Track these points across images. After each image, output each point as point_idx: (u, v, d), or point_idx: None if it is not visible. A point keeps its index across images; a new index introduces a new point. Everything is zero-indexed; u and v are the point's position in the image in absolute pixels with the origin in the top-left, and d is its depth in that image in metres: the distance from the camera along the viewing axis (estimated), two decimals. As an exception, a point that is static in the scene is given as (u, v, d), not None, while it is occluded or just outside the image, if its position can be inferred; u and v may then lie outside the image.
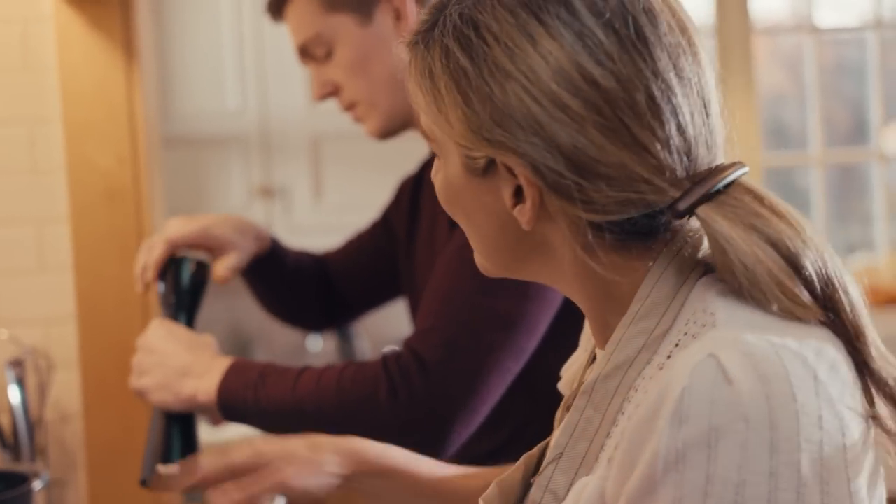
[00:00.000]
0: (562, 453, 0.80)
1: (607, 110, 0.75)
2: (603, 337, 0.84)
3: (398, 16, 1.42)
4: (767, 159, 3.73)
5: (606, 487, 0.73)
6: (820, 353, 0.73)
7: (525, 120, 0.76)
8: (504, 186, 0.79)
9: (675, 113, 0.76)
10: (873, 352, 0.76)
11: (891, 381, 0.76)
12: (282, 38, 3.18)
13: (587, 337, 0.97)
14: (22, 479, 1.45)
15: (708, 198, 0.76)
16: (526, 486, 0.89)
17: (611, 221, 0.77)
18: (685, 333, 0.76)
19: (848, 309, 0.76)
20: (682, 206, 0.76)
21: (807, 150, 3.75)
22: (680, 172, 0.76)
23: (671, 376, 0.70)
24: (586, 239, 0.78)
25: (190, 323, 1.43)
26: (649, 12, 0.77)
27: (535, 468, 0.90)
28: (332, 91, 1.50)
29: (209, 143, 3.24)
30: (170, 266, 1.45)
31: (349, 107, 1.49)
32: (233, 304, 3.56)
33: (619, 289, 0.80)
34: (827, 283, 0.75)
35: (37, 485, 1.48)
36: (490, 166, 0.79)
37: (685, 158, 0.77)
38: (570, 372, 0.96)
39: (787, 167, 3.87)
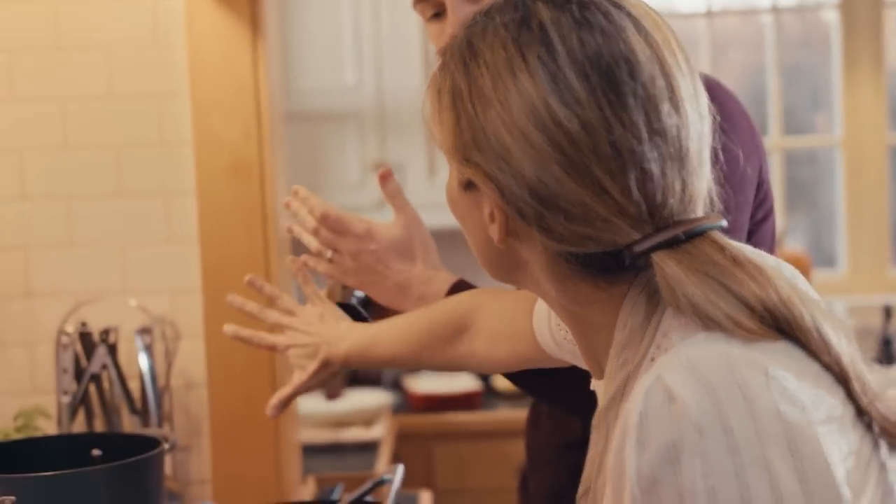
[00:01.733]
0: (588, 488, 0.83)
1: (570, 150, 0.78)
2: (592, 367, 0.88)
3: None
4: (893, 137, 3.62)
5: None
6: (772, 352, 0.75)
7: (497, 146, 0.80)
8: (484, 204, 0.84)
9: (639, 161, 0.78)
10: (856, 387, 0.77)
11: (888, 426, 0.77)
12: (398, 14, 3.19)
13: None
14: (153, 444, 1.50)
15: (668, 245, 0.78)
16: None
17: (573, 253, 0.81)
18: (651, 360, 0.79)
19: (818, 351, 0.77)
20: (638, 248, 0.79)
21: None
22: (643, 217, 0.79)
23: (629, 406, 0.74)
24: (555, 265, 0.82)
25: None
26: (629, 62, 0.79)
27: None
28: None
29: (326, 118, 3.28)
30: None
31: None
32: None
33: (596, 319, 0.83)
34: (792, 326, 0.77)
35: (166, 449, 1.52)
36: (471, 183, 0.84)
37: (650, 205, 0.79)
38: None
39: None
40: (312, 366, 1.36)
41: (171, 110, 1.94)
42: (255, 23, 1.93)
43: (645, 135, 0.78)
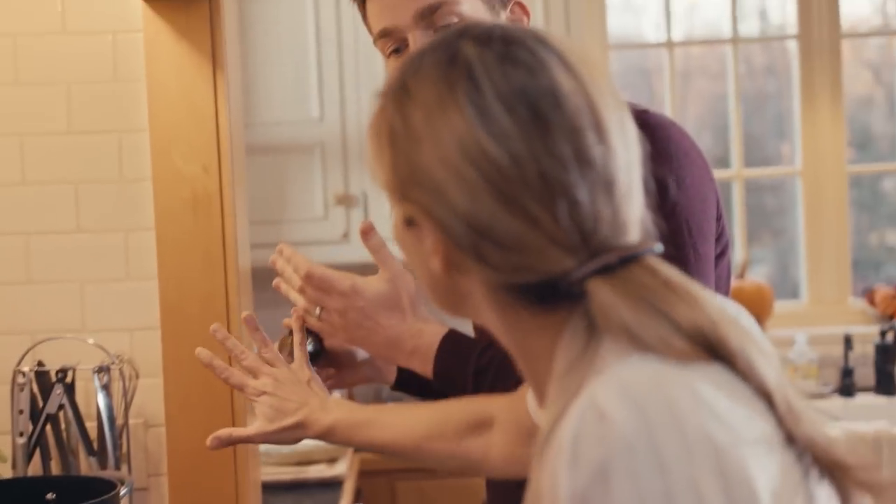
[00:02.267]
0: None
1: (500, 182, 0.80)
2: (537, 395, 0.88)
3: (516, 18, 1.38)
4: (853, 167, 3.66)
5: None
6: (704, 372, 0.76)
7: (432, 182, 0.82)
8: (425, 238, 0.85)
9: (570, 190, 0.80)
10: (783, 412, 0.79)
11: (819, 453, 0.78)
12: (361, 46, 3.19)
13: None
14: (109, 487, 1.47)
15: (602, 271, 0.80)
16: None
17: (511, 283, 0.82)
18: (582, 385, 0.79)
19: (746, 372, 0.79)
20: (573, 276, 0.80)
21: (895, 158, 3.66)
22: (575, 245, 0.80)
23: (561, 431, 0.75)
24: (495, 296, 0.84)
25: None
26: (554, 95, 0.81)
27: None
28: None
29: (291, 150, 3.27)
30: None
31: None
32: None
33: (539, 347, 0.84)
34: (721, 348, 0.78)
35: (122, 491, 1.50)
36: (412, 219, 0.85)
37: (582, 232, 0.80)
38: None
39: (874, 173, 3.79)
40: (284, 422, 1.31)
41: (131, 145, 1.92)
42: (215, 57, 1.92)
43: (572, 165, 0.80)
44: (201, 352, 1.36)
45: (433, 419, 1.26)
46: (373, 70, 3.21)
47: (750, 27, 3.83)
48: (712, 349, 0.78)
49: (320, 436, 1.29)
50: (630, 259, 0.81)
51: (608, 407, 0.72)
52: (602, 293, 0.79)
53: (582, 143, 0.81)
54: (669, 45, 3.64)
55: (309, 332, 1.37)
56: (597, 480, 0.70)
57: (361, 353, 1.45)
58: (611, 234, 0.81)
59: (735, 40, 3.65)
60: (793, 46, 3.64)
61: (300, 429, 1.30)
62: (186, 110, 1.91)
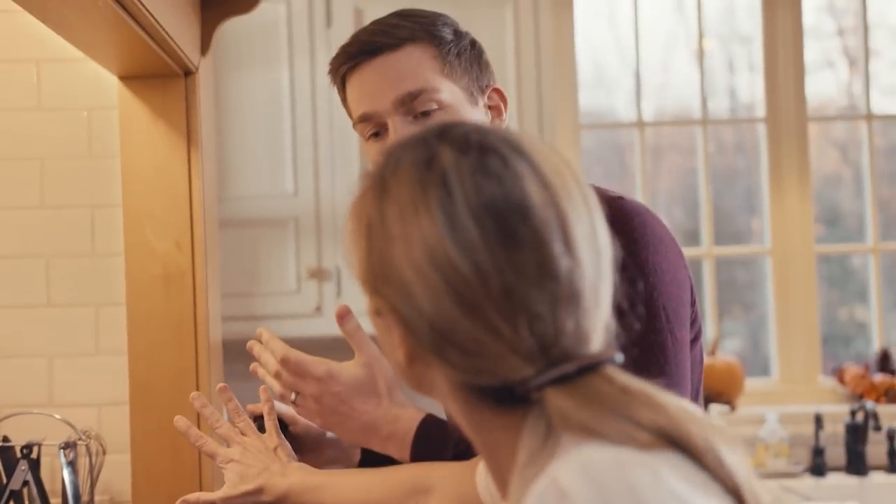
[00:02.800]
0: None
1: (464, 290, 0.81)
2: (499, 486, 0.89)
3: (498, 113, 1.40)
4: (821, 247, 3.70)
5: None
6: (661, 456, 0.77)
7: (400, 281, 0.83)
8: (392, 329, 0.86)
9: (531, 304, 0.81)
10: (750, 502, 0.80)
11: None
12: (336, 121, 3.23)
13: None
14: (72, 567, 1.45)
15: (560, 380, 0.81)
16: None
17: (472, 383, 0.83)
18: (538, 472, 0.80)
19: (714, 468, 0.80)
20: (531, 384, 0.81)
21: (862, 237, 3.71)
22: (534, 354, 0.81)
23: None
24: (458, 392, 0.85)
25: None
26: (523, 208, 0.82)
27: None
28: None
29: (264, 224, 3.28)
30: None
31: None
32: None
33: (500, 441, 0.85)
34: (685, 445, 0.80)
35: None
36: (379, 311, 0.87)
37: (541, 343, 0.81)
38: None
39: (843, 253, 3.83)
40: (246, 487, 1.35)
41: (104, 220, 1.93)
42: (190, 135, 1.94)
43: (536, 279, 0.81)
44: (179, 419, 1.39)
45: (382, 484, 1.28)
46: (347, 144, 3.24)
47: (720, 105, 3.90)
48: (676, 445, 0.79)
49: (278, 499, 1.32)
50: (589, 368, 0.82)
51: (568, 486, 0.73)
52: (559, 400, 0.80)
53: (548, 256, 0.82)
54: (640, 125, 3.70)
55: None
56: None
57: (329, 433, 1.45)
58: (572, 344, 0.82)
59: (704, 121, 3.71)
60: (761, 128, 3.71)
61: (260, 493, 1.34)
62: (160, 186, 1.92)
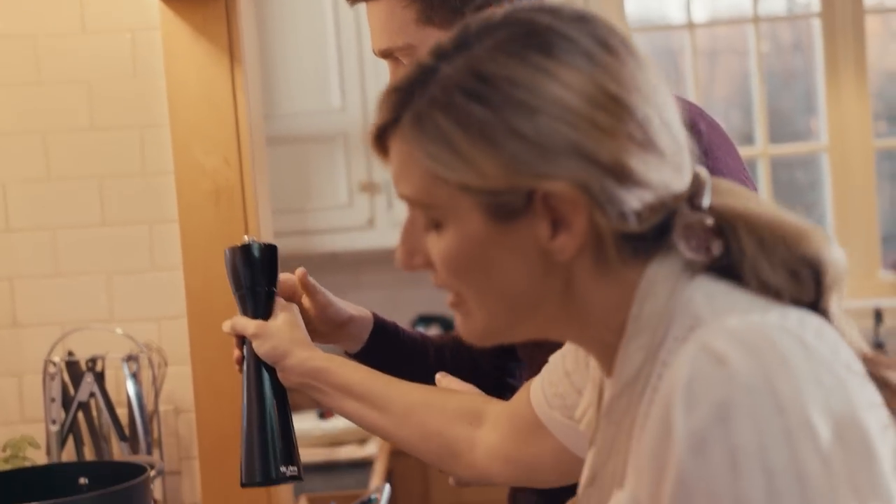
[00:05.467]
0: (596, 475, 0.85)
1: (629, 119, 0.81)
2: (607, 363, 0.88)
3: None
4: (880, 142, 3.64)
5: (639, 496, 0.77)
6: (803, 321, 0.78)
7: (563, 145, 0.80)
8: (539, 223, 0.81)
9: (671, 120, 0.83)
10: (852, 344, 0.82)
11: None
12: (382, 35, 3.23)
13: (584, 378, 1.02)
14: (139, 471, 1.52)
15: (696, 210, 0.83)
16: None
17: (628, 234, 0.82)
18: (675, 339, 0.80)
19: (829, 295, 0.83)
20: (699, 201, 0.82)
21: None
22: (688, 172, 0.84)
23: (671, 378, 0.75)
24: (605, 257, 0.82)
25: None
26: (626, 39, 0.85)
27: None
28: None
29: (313, 140, 3.31)
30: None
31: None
32: (340, 296, 3.63)
33: (615, 311, 0.84)
34: (818, 265, 0.83)
35: (152, 475, 1.55)
36: (525, 205, 0.81)
37: (686, 160, 0.84)
38: (587, 415, 0.99)
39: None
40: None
41: (153, 140, 1.97)
42: (232, 51, 1.96)
43: (665, 97, 0.84)
44: (225, 324, 1.37)
45: (433, 391, 1.26)
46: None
47: (776, 5, 3.81)
48: (818, 285, 0.82)
49: (307, 362, 1.28)
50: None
51: (725, 353, 0.73)
52: (728, 202, 0.83)
53: (661, 77, 0.85)
54: (690, 26, 3.64)
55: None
56: (717, 420, 0.71)
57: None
58: (690, 161, 0.85)
59: (756, 19, 3.64)
60: (816, 24, 3.63)
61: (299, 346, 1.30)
62: (206, 105, 1.95)
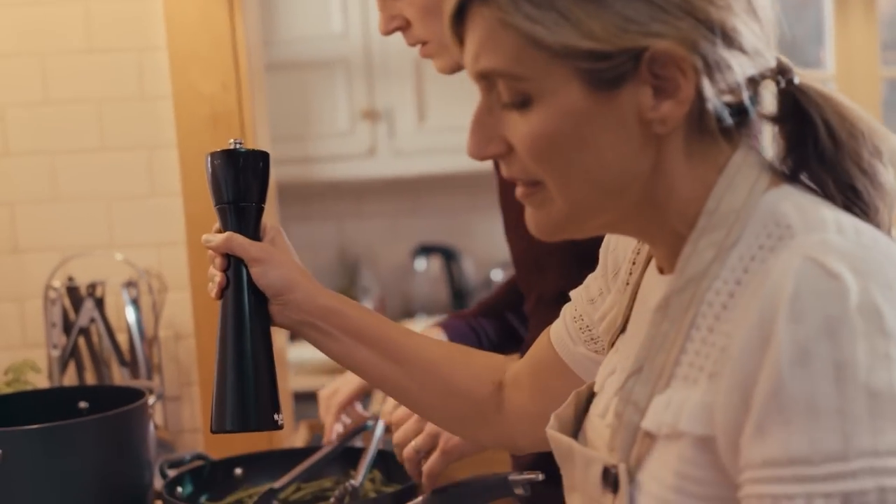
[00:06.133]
0: (642, 366, 0.82)
1: None
2: (670, 258, 0.85)
3: None
4: (886, 70, 3.60)
5: (716, 403, 0.74)
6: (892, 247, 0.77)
7: (674, 3, 0.76)
8: (642, 90, 0.77)
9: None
10: None
11: None
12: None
13: (608, 271, 1.00)
14: (139, 395, 1.53)
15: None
16: (579, 419, 0.93)
17: (727, 106, 0.79)
18: (760, 247, 0.77)
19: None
20: (790, 76, 0.81)
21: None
22: (774, 50, 0.82)
23: (771, 287, 0.72)
24: (701, 132, 0.80)
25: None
26: None
27: (586, 403, 0.94)
28: (402, 25, 1.46)
29: (314, 66, 3.27)
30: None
31: (417, 43, 1.46)
32: (340, 225, 3.63)
33: (695, 199, 0.82)
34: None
35: (151, 400, 1.55)
36: (629, 70, 0.77)
37: (773, 37, 0.82)
38: (609, 316, 0.97)
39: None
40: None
41: (150, 64, 1.95)
42: (230, -25, 1.93)
43: None
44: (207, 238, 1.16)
45: (454, 347, 1.18)
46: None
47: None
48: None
49: (317, 298, 1.13)
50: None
51: (836, 268, 0.71)
52: (813, 87, 0.82)
53: None
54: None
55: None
56: (824, 334, 0.70)
57: None
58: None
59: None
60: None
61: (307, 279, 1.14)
62: (204, 29, 1.93)
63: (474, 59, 0.81)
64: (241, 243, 1.11)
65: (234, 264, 1.11)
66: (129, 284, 1.88)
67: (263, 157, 1.14)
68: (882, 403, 0.69)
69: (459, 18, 0.82)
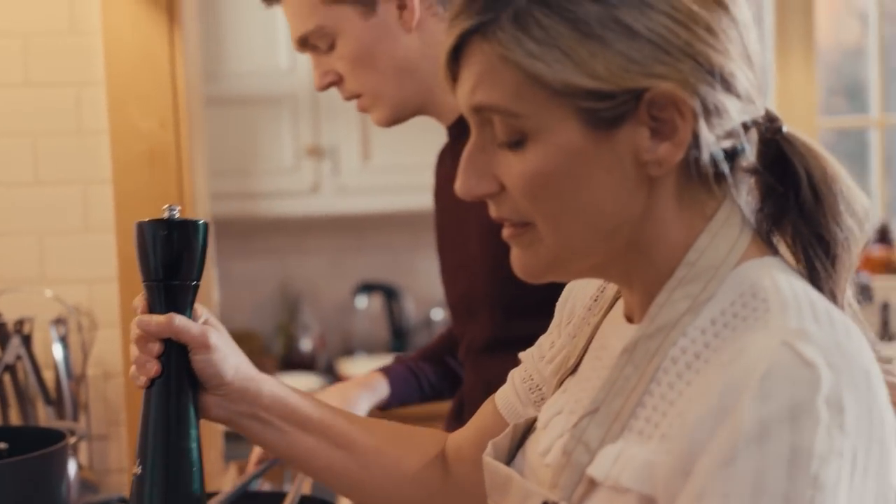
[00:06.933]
0: (599, 408, 0.81)
1: (734, 26, 0.79)
2: (642, 306, 0.84)
3: (402, 5, 1.39)
4: (825, 122, 3.67)
5: (661, 464, 0.74)
6: (864, 348, 0.77)
7: (676, 45, 0.76)
8: (640, 132, 0.77)
9: (752, 47, 0.82)
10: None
11: None
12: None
13: (562, 322, 0.99)
14: (60, 437, 1.50)
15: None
16: (513, 452, 0.93)
17: (720, 152, 0.80)
18: (734, 315, 0.78)
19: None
20: (778, 125, 0.82)
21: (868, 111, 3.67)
22: (758, 96, 0.82)
23: (745, 363, 0.72)
24: (693, 178, 0.80)
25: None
26: None
27: (522, 437, 0.94)
28: (335, 80, 1.47)
29: (260, 102, 3.27)
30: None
31: (352, 97, 1.47)
32: (282, 261, 3.61)
33: (677, 246, 0.82)
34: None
35: (73, 442, 1.53)
36: (628, 111, 0.77)
37: (763, 85, 0.83)
38: (558, 358, 0.97)
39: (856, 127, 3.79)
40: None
41: (88, 99, 1.93)
42: (171, 11, 1.92)
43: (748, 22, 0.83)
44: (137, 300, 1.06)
45: (396, 427, 1.12)
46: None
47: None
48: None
49: (260, 386, 1.04)
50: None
51: (812, 358, 0.71)
52: (799, 139, 0.82)
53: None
54: None
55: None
56: (787, 418, 0.69)
57: None
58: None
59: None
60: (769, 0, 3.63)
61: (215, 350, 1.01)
62: (143, 65, 1.92)
63: (470, 92, 0.80)
64: (184, 327, 0.97)
65: (173, 351, 0.97)
66: (58, 321, 1.86)
67: (203, 228, 1.01)
68: (824, 498, 0.69)
69: (456, 55, 0.81)
